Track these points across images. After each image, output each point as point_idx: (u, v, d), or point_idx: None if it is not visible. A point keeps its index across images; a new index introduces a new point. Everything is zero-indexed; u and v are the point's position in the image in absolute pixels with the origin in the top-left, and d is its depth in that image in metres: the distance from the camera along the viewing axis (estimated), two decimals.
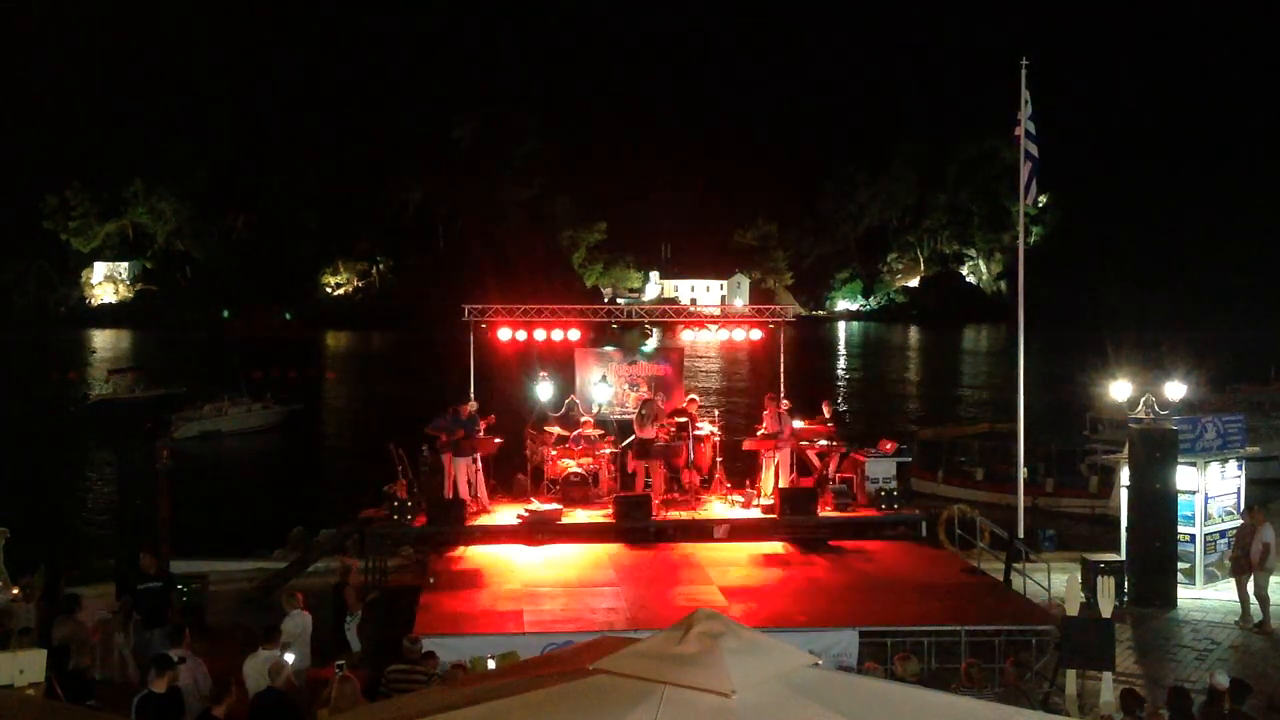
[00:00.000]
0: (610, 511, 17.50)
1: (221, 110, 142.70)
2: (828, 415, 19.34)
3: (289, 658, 10.99)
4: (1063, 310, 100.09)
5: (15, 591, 13.71)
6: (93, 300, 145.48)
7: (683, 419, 18.91)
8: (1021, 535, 17.04)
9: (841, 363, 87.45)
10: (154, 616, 13.05)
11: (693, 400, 19.93)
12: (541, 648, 11.65)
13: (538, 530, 17.20)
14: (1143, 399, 17.20)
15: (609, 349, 21.06)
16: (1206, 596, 16.38)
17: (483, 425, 17.98)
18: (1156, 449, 16.11)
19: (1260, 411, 32.92)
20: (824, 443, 18.90)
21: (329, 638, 13.63)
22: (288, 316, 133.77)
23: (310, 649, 12.35)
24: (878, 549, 17.22)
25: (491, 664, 11.18)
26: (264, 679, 10.14)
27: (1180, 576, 16.32)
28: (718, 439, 19.48)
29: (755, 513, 18.02)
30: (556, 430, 18.96)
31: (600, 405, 19.80)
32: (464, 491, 17.58)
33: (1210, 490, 16.84)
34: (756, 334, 20.41)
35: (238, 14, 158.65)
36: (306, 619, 12.41)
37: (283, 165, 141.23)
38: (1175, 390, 21.12)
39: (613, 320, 20.85)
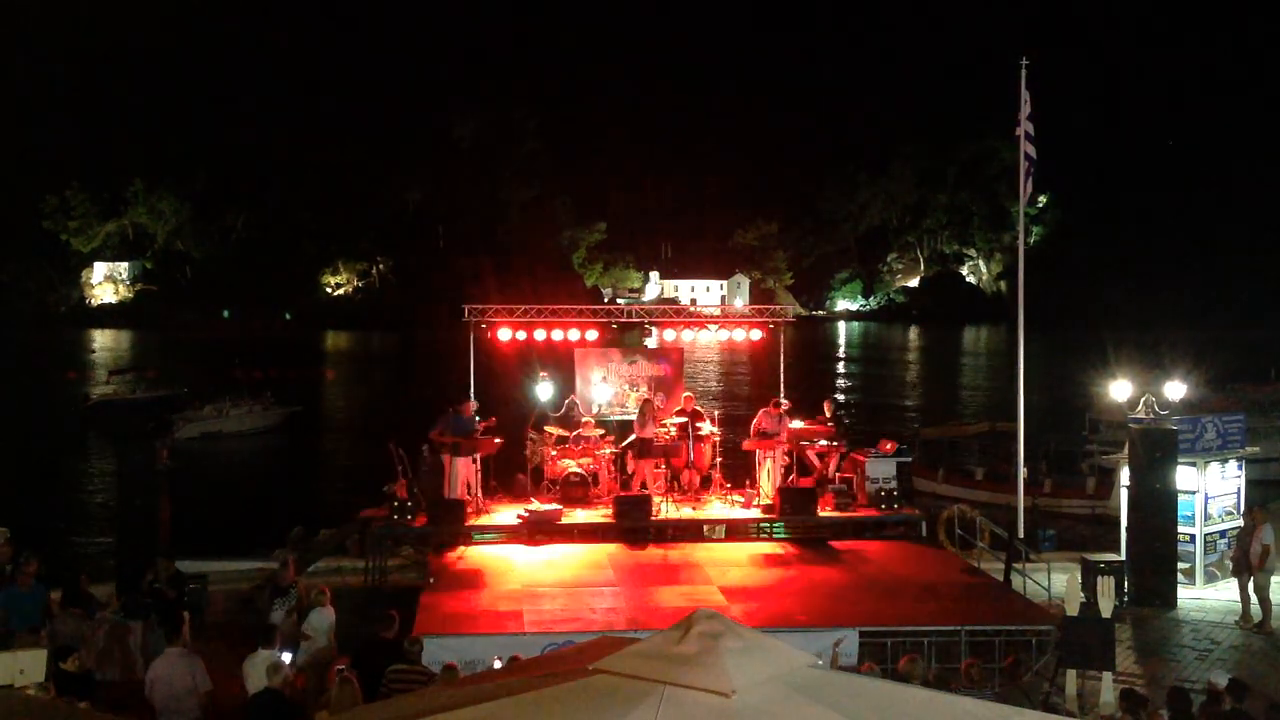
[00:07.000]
0: (610, 511, 17.51)
1: (222, 110, 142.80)
2: (828, 415, 19.33)
3: (285, 656, 10.98)
4: (1063, 310, 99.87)
5: None
6: (93, 300, 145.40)
7: (683, 418, 18.90)
8: (1021, 535, 17.05)
9: (841, 363, 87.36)
10: (163, 618, 13.06)
11: (689, 398, 19.89)
12: (541, 648, 11.65)
13: (538, 530, 17.21)
14: (1143, 399, 17.20)
15: (609, 349, 21.02)
16: (1206, 596, 16.38)
17: (482, 426, 17.98)
18: (1156, 449, 16.10)
19: (1260, 411, 32.85)
20: (824, 443, 18.90)
21: (349, 633, 13.58)
22: (288, 316, 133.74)
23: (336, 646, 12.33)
24: (878, 549, 17.23)
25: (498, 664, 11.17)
26: (263, 679, 10.14)
27: (1180, 576, 16.32)
28: (717, 439, 19.47)
29: (755, 513, 18.04)
30: (556, 430, 18.96)
31: (600, 405, 19.79)
32: (463, 492, 17.60)
33: (1210, 490, 16.83)
34: (757, 334, 20.39)
35: (238, 13, 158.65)
36: (330, 615, 12.42)
37: (283, 165, 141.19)
38: (1175, 390, 21.11)
39: (613, 320, 20.82)
